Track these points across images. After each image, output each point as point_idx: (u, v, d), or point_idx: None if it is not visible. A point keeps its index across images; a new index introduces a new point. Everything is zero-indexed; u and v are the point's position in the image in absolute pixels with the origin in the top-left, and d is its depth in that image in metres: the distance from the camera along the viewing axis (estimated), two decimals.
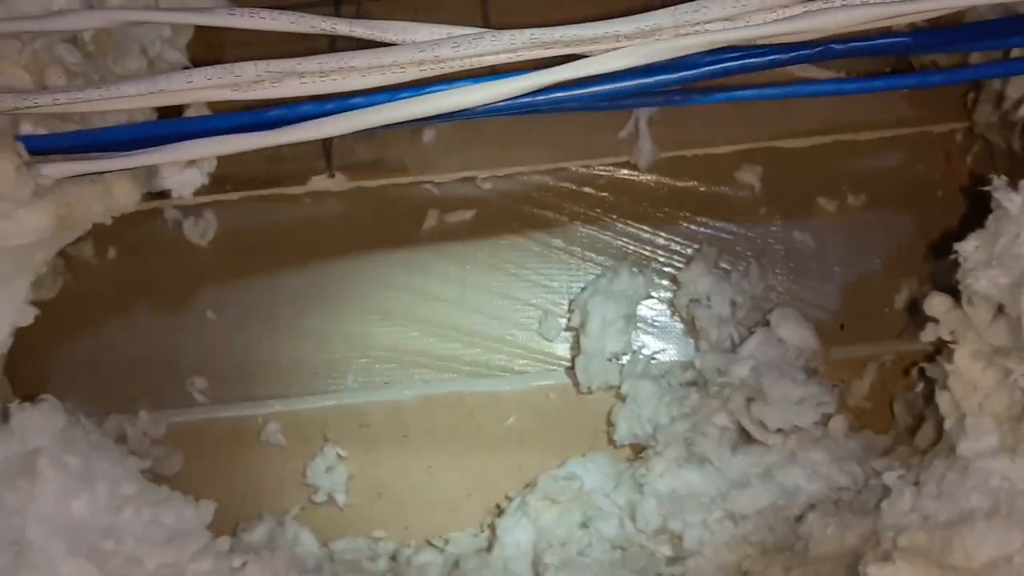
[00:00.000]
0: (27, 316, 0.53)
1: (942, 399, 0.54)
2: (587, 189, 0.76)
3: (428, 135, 0.74)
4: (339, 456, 0.72)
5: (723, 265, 0.75)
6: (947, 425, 0.54)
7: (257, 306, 0.75)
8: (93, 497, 0.52)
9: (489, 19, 0.72)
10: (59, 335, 0.73)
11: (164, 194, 0.58)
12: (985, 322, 0.50)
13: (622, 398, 0.72)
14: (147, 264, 0.75)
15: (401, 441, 0.73)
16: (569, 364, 0.74)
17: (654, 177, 0.76)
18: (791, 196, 0.76)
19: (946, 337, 0.53)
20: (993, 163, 0.73)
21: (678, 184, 0.76)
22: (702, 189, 0.76)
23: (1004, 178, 0.49)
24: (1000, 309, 0.49)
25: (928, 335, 0.54)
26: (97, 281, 0.75)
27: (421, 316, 0.75)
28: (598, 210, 0.76)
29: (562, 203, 0.76)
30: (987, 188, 0.49)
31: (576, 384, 0.73)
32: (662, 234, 0.76)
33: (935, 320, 0.54)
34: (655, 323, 0.76)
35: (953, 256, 0.50)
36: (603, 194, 0.76)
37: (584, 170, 0.76)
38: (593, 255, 0.76)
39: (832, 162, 0.76)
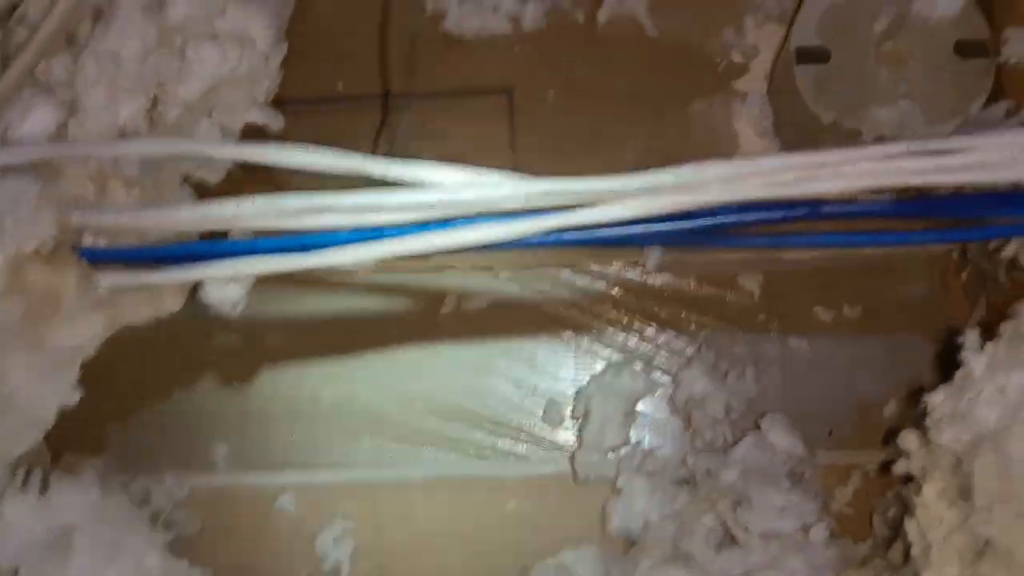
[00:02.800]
0: (74, 398, 0.58)
1: (910, 526, 0.58)
2: (598, 285, 0.81)
3: None
4: (347, 529, 0.77)
5: (722, 366, 0.79)
6: (914, 551, 0.58)
7: (280, 378, 0.80)
8: (120, 571, 0.57)
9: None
10: (92, 395, 0.77)
11: None
12: (949, 467, 0.54)
13: (617, 492, 0.76)
14: (180, 331, 0.79)
15: (406, 518, 0.78)
16: (570, 453, 0.78)
17: (661, 278, 0.81)
18: (789, 304, 0.80)
19: (915, 472, 0.57)
20: (984, 287, 0.78)
21: (682, 286, 0.81)
22: (705, 292, 0.81)
23: (976, 332, 0.53)
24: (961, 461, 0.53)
25: (900, 468, 0.59)
26: (131, 345, 0.79)
27: (432, 397, 0.79)
28: (607, 306, 0.81)
29: (574, 297, 0.81)
30: (960, 340, 0.54)
31: (575, 474, 0.77)
32: (665, 333, 0.80)
33: (907, 455, 0.58)
34: (654, 419, 0.80)
35: (923, 406, 0.55)
36: (613, 291, 0.81)
37: (596, 267, 0.81)
38: (600, 348, 0.81)
39: (831, 274, 0.80)
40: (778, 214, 0.50)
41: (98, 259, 0.52)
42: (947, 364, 0.76)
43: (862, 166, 0.49)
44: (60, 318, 0.50)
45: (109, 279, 0.51)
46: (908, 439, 0.56)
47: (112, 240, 0.53)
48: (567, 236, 0.52)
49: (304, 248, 0.52)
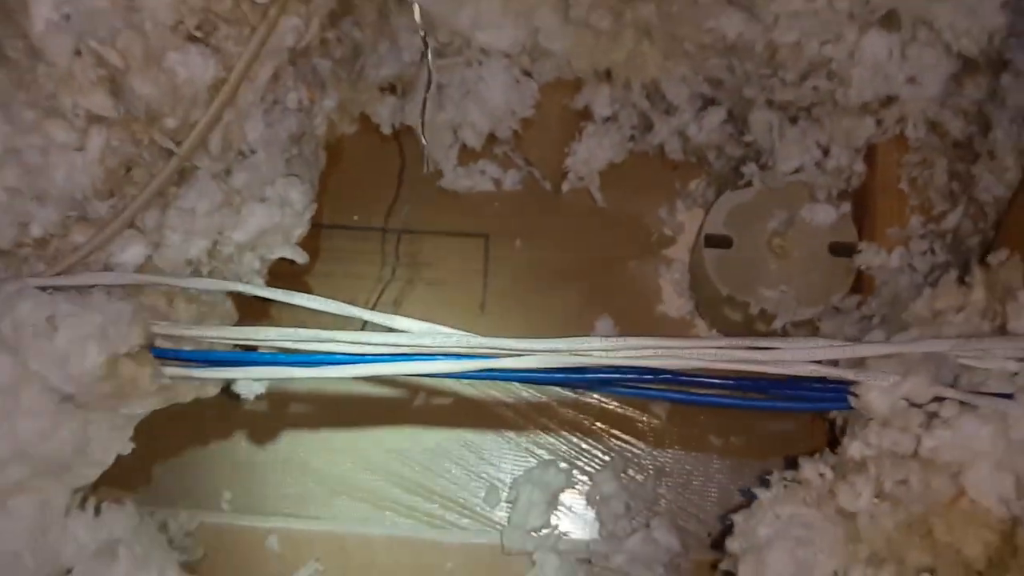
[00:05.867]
0: (128, 448, 0.79)
1: None
2: (540, 397, 1.02)
3: None
4: (318, 571, 0.97)
5: (629, 472, 1.00)
6: None
7: (282, 443, 1.01)
8: None
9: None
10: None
11: None
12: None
13: (534, 563, 0.97)
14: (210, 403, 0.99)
15: (367, 567, 0.98)
16: (502, 529, 0.99)
17: (590, 398, 1.02)
18: (689, 429, 1.02)
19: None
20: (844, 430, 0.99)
21: (606, 405, 1.02)
22: (623, 412, 1.02)
23: (779, 476, 0.74)
24: None
25: (723, 566, 0.79)
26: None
27: (397, 472, 1.00)
28: (544, 418, 1.02)
29: (519, 405, 1.02)
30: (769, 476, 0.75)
31: (503, 546, 0.98)
32: (586, 442, 1.01)
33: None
34: (571, 509, 1.00)
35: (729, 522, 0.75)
36: (551, 403, 1.02)
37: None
38: (535, 448, 1.02)
39: (725, 410, 1.01)
40: (647, 377, 0.72)
41: (164, 357, 0.74)
42: None
43: (702, 351, 0.70)
44: (134, 397, 0.72)
45: (172, 372, 0.73)
46: (731, 544, 0.77)
47: (175, 343, 0.75)
48: (496, 374, 0.74)
49: (312, 364, 0.74)
